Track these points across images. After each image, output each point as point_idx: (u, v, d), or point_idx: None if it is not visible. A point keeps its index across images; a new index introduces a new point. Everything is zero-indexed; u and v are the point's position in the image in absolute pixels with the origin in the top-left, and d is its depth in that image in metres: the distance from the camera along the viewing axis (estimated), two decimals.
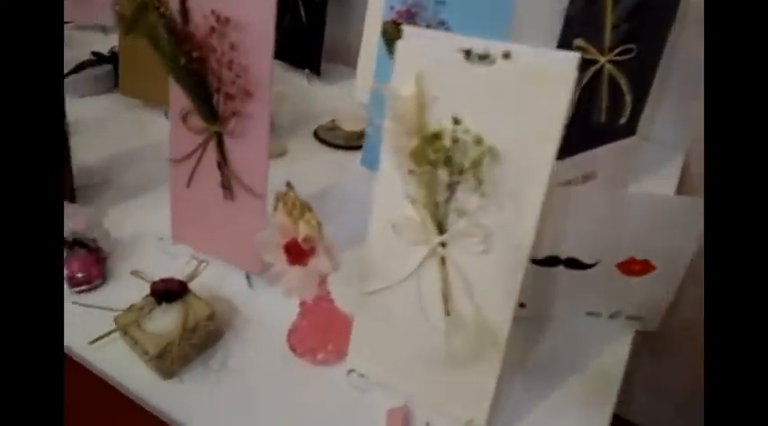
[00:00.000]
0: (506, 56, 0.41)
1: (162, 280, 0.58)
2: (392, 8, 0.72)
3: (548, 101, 0.40)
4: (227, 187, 0.62)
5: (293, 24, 1.08)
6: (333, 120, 0.97)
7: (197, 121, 0.61)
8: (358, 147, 0.91)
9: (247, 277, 0.66)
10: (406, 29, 0.44)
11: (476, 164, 0.43)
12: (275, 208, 0.49)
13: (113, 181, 0.82)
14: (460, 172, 0.44)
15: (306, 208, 0.47)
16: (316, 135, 0.95)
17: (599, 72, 0.68)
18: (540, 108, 0.41)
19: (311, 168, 0.88)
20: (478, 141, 0.43)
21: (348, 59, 1.12)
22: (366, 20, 0.96)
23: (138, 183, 0.82)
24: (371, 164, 0.81)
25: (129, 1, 0.92)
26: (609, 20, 0.66)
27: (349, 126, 0.94)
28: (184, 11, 0.57)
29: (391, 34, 0.73)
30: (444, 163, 0.44)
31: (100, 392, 0.59)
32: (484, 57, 0.42)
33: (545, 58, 0.40)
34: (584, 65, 0.63)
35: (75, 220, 0.67)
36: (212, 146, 0.61)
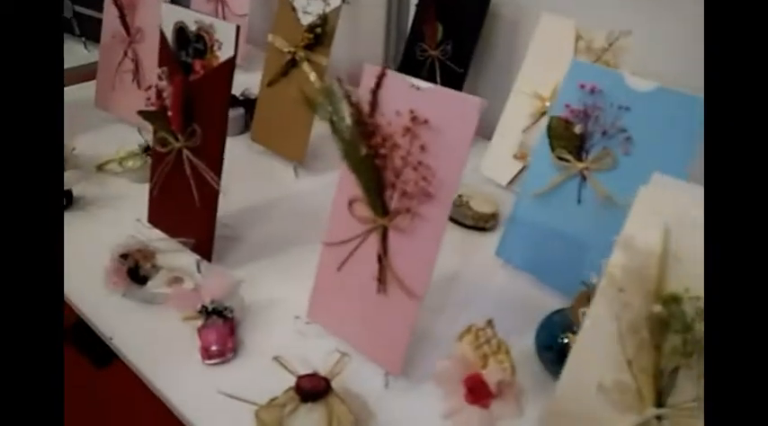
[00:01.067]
0: None
1: (308, 377, 0.55)
2: (567, 106, 0.68)
3: None
4: (381, 281, 0.59)
5: None
6: (460, 196, 0.93)
7: (363, 210, 0.58)
8: (486, 229, 0.87)
9: (385, 376, 0.62)
10: (656, 177, 0.40)
11: None
12: (460, 338, 0.45)
13: (243, 237, 0.81)
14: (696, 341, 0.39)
15: (504, 348, 0.43)
16: None
17: None
18: None
19: None
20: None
21: (479, 130, 1.09)
22: (511, 97, 0.93)
23: (268, 242, 0.81)
24: (509, 257, 0.76)
25: (278, 54, 0.95)
26: None
27: (479, 205, 0.89)
28: (374, 103, 0.55)
29: (559, 132, 0.69)
30: (683, 330, 0.39)
31: None
32: None
33: None
34: None
35: (212, 285, 0.66)
36: (374, 237, 0.59)
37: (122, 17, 0.99)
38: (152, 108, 0.70)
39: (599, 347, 0.42)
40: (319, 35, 0.88)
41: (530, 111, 0.90)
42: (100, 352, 1.37)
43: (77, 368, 1.31)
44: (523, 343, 0.66)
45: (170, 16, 0.67)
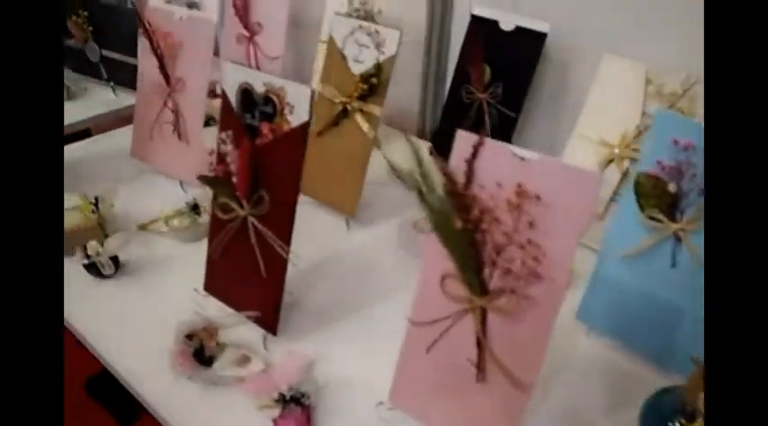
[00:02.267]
0: None
1: None
2: (658, 162, 0.64)
3: None
4: (480, 367, 0.54)
5: (476, 132, 1.03)
6: None
7: (457, 288, 0.54)
8: None
9: None
10: None
11: None
12: None
13: (303, 303, 0.76)
14: None
15: None
16: None
17: None
18: None
19: None
20: None
21: None
22: (571, 143, 0.89)
23: (330, 307, 0.76)
24: (593, 321, 0.71)
25: (327, 104, 0.91)
26: None
27: None
28: (470, 174, 0.51)
29: (649, 190, 0.65)
30: None
31: None
32: None
33: None
34: None
35: (286, 367, 0.61)
36: (470, 318, 0.54)
37: (162, 67, 0.95)
38: (212, 173, 0.66)
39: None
40: (374, 85, 0.84)
41: (595, 159, 0.86)
42: (124, 408, 1.31)
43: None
44: (621, 421, 0.61)
45: (234, 77, 0.64)
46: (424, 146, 1.10)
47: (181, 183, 0.99)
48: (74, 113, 1.25)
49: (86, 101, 1.32)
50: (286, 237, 0.63)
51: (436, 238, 0.53)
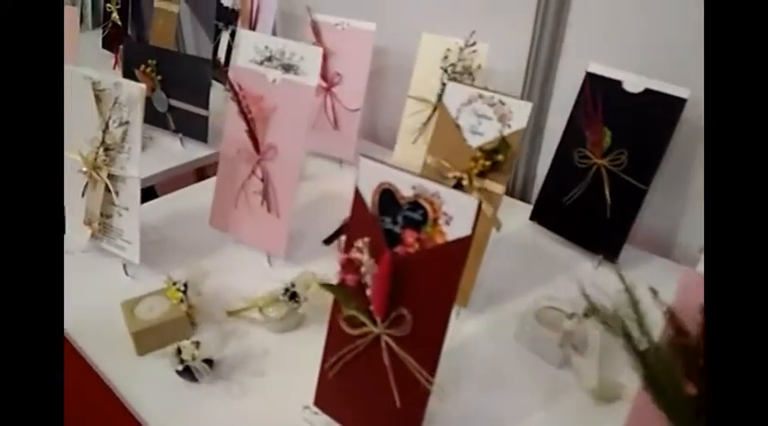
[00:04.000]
0: None
1: None
2: None
3: None
4: None
5: (589, 200, 0.92)
6: None
7: None
8: None
9: None
10: None
11: None
12: None
13: (435, 418, 0.66)
14: None
15: None
16: None
17: None
18: None
19: None
20: None
21: (659, 248, 0.96)
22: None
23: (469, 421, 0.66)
24: None
25: (440, 178, 0.82)
26: None
27: None
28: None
29: None
30: None
31: None
32: None
33: None
34: None
35: None
36: None
37: (251, 131, 0.87)
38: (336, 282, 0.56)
39: None
40: (498, 162, 0.75)
41: None
42: None
43: None
44: None
45: (372, 175, 0.55)
46: (520, 208, 1.00)
47: (268, 257, 0.90)
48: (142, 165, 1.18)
49: (154, 150, 1.25)
50: (430, 366, 0.53)
51: (649, 398, 0.42)
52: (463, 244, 0.49)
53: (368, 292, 0.55)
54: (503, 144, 0.74)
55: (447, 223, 0.50)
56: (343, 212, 0.97)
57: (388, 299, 0.54)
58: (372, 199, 0.55)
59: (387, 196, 0.54)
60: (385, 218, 0.54)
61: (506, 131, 0.74)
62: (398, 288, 0.53)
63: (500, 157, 0.74)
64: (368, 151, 1.27)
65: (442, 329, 0.52)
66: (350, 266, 0.56)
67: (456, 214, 0.50)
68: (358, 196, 0.56)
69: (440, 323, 0.52)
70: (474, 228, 0.49)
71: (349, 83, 1.17)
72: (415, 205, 0.52)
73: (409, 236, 0.53)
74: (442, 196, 0.50)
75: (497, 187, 0.76)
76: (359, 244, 0.54)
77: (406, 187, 0.52)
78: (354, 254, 0.55)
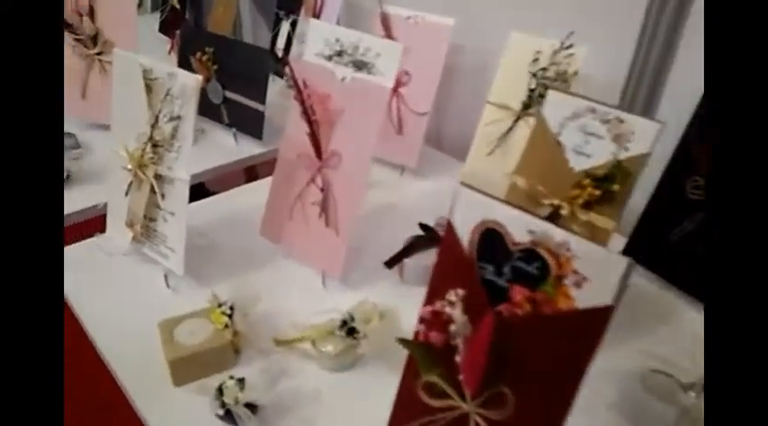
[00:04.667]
0: None
1: None
2: None
3: None
4: None
5: (702, 239, 0.78)
6: None
7: None
8: None
9: None
10: None
11: None
12: None
13: None
14: None
15: None
16: None
17: None
18: None
19: None
20: None
21: None
22: None
23: None
24: None
25: (532, 204, 0.69)
26: None
27: None
28: None
29: None
30: None
31: None
32: None
33: None
34: None
35: None
36: None
37: (313, 134, 0.77)
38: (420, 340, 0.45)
39: None
40: (611, 192, 0.62)
41: None
42: None
43: None
44: None
45: (473, 209, 0.43)
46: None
47: (323, 277, 0.80)
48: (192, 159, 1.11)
49: (205, 144, 1.17)
50: None
51: None
52: (601, 317, 0.37)
53: (457, 358, 0.43)
54: (619, 170, 0.61)
55: (577, 285, 0.38)
56: (405, 228, 0.87)
57: (485, 372, 0.42)
58: (471, 238, 0.43)
59: (491, 238, 0.42)
60: (486, 266, 0.43)
61: (623, 155, 0.61)
62: (500, 358, 0.41)
63: (615, 187, 0.61)
64: (432, 159, 1.16)
65: (558, 420, 0.40)
66: (436, 321, 0.45)
67: (593, 275, 0.37)
68: (451, 232, 0.44)
69: (555, 413, 0.40)
70: (620, 297, 0.36)
71: (418, 83, 1.05)
72: (530, 254, 0.40)
73: (518, 294, 0.41)
74: (573, 248, 0.38)
75: (607, 222, 0.63)
76: (451, 296, 0.43)
77: (520, 230, 0.40)
78: (443, 307, 0.44)
